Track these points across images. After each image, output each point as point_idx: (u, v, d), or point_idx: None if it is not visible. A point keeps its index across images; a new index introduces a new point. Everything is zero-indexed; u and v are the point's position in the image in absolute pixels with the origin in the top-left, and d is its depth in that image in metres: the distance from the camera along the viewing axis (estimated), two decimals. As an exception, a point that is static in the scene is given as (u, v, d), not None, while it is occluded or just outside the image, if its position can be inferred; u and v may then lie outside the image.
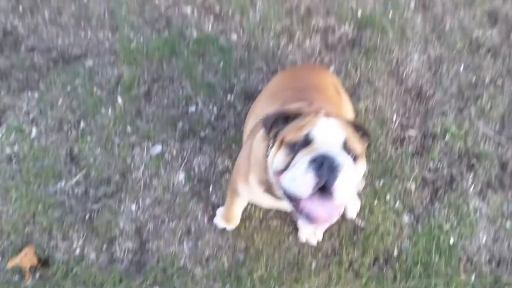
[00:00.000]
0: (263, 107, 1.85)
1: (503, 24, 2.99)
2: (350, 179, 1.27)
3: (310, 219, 1.29)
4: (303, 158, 1.28)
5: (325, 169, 1.23)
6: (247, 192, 1.71)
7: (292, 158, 1.32)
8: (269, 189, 1.53)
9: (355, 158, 1.35)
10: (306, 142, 1.32)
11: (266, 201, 1.67)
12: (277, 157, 1.38)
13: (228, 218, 2.12)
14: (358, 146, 1.39)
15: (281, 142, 1.39)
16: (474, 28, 2.96)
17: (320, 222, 1.29)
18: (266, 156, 1.46)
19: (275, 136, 1.45)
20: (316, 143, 1.32)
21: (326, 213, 1.28)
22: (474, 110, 2.63)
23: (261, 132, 1.58)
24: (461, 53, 2.85)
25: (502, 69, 2.79)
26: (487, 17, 3.01)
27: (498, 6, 3.07)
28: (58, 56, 2.78)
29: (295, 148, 1.33)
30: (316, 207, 1.27)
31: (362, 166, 1.40)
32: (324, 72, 2.10)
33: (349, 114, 2.08)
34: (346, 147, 1.34)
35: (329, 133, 1.34)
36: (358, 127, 1.46)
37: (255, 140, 1.62)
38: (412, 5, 3.05)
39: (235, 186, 1.76)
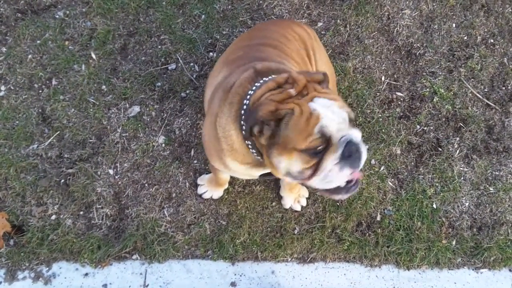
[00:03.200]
0: (215, 74, 1.58)
1: (499, -22, 2.67)
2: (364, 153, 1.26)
3: (347, 194, 1.29)
4: (331, 158, 1.19)
5: (354, 157, 1.20)
6: (226, 170, 1.50)
7: (317, 162, 1.21)
8: (258, 164, 1.38)
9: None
10: (326, 142, 1.20)
11: (249, 174, 1.46)
12: (295, 165, 1.22)
13: (217, 183, 1.92)
14: (349, 108, 1.28)
15: (291, 150, 1.21)
16: (469, -17, 2.65)
17: (353, 193, 1.30)
18: (246, 146, 1.33)
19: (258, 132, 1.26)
20: (334, 138, 1.20)
21: (356, 184, 1.28)
22: (464, 72, 2.39)
23: (223, 114, 1.35)
24: (454, 10, 2.56)
25: (494, 28, 2.53)
26: (483, -29, 2.69)
27: (495, -42, 2.73)
28: (26, 7, 2.41)
29: (316, 152, 1.20)
30: (349, 185, 1.26)
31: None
32: (289, 26, 1.74)
33: (325, 69, 1.79)
34: (350, 120, 1.24)
35: (335, 118, 1.20)
36: (320, 80, 1.31)
37: (220, 124, 1.36)
38: (407, -45, 2.69)
39: (211, 163, 1.54)
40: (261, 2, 2.46)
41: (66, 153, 2.07)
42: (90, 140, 2.09)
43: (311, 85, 1.27)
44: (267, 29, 1.69)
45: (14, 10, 2.39)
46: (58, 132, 2.10)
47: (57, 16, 2.37)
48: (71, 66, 2.24)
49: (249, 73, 1.35)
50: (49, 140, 2.09)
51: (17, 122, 2.12)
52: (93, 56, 2.27)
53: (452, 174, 2.15)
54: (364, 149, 1.23)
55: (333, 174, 1.20)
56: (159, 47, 2.31)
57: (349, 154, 1.18)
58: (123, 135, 2.11)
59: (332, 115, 1.19)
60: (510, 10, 2.57)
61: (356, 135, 1.21)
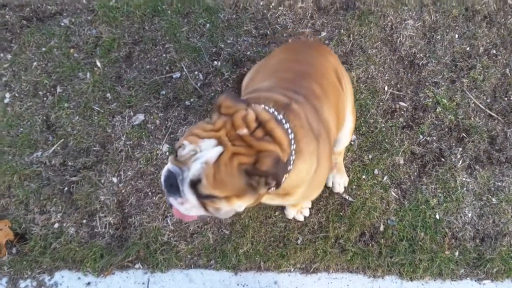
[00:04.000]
0: (257, 79, 1.58)
1: (501, -11, 2.64)
2: (190, 209, 1.17)
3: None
4: (168, 163, 1.17)
5: (168, 186, 1.16)
6: None
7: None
8: None
9: (210, 197, 1.14)
10: (176, 153, 1.16)
11: None
12: None
13: None
14: (218, 190, 1.13)
15: None
16: (471, -7, 2.62)
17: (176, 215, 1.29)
18: None
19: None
20: (179, 160, 1.14)
21: (177, 211, 1.24)
22: (466, 82, 2.35)
23: None
24: (457, 20, 2.53)
25: (496, 39, 2.50)
26: (485, -18, 2.66)
27: (497, -30, 2.70)
28: (31, 14, 2.37)
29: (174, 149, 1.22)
30: (173, 204, 1.21)
31: (226, 204, 1.17)
32: (325, 53, 1.77)
33: (349, 98, 1.81)
34: (195, 186, 1.13)
35: (189, 164, 1.12)
36: (253, 170, 1.13)
37: None
38: (409, -34, 2.66)
39: None
40: (265, 11, 2.44)
41: (70, 161, 2.03)
42: (94, 148, 2.06)
43: (262, 134, 1.17)
44: (311, 55, 1.68)
45: (20, 17, 2.36)
46: (62, 139, 2.06)
47: (63, 24, 2.34)
48: (76, 73, 2.21)
49: (282, 99, 1.30)
50: (53, 148, 2.05)
51: (21, 129, 2.09)
52: (98, 64, 2.23)
53: (455, 184, 2.12)
54: (181, 203, 1.17)
55: (161, 176, 1.19)
56: (164, 55, 2.28)
57: (167, 179, 1.16)
58: (127, 143, 2.07)
59: (197, 150, 1.12)
60: (512, 21, 2.54)
61: (185, 189, 1.14)
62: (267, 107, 1.22)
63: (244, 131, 1.14)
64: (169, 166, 1.15)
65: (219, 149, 1.11)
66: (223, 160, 1.11)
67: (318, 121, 1.38)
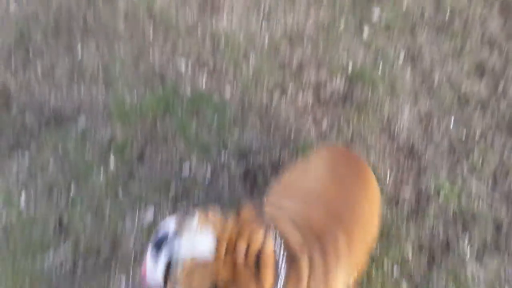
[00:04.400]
0: (291, 195, 1.50)
1: (490, 76, 2.75)
2: (154, 274, 1.14)
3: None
4: (173, 222, 1.18)
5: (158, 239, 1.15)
6: None
7: None
8: None
9: (173, 281, 1.12)
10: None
11: None
12: None
13: None
14: (183, 285, 1.10)
15: None
16: (462, 81, 2.72)
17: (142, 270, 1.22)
18: None
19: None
20: (182, 225, 1.14)
21: (145, 268, 1.17)
22: (466, 167, 2.38)
23: None
24: (451, 107, 2.61)
25: (491, 123, 2.55)
26: (474, 69, 2.78)
27: (485, 57, 2.83)
28: (50, 116, 2.50)
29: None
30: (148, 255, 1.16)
31: None
32: (370, 180, 1.60)
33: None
34: (170, 262, 1.13)
35: (184, 236, 1.12)
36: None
37: None
38: (401, 57, 2.81)
39: None
40: (269, 106, 2.54)
41: (80, 263, 2.02)
42: (104, 249, 2.05)
43: (253, 262, 1.13)
44: (354, 186, 1.52)
45: (39, 120, 2.48)
46: (74, 241, 2.07)
47: (79, 124, 2.45)
48: (90, 174, 2.27)
49: (296, 245, 1.24)
50: (64, 250, 2.05)
51: (34, 232, 2.10)
52: (112, 163, 2.30)
53: (465, 275, 2.06)
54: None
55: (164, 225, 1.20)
56: (174, 152, 2.35)
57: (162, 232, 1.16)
58: (137, 244, 2.07)
59: (198, 230, 1.11)
60: (505, 104, 2.61)
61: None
62: (277, 241, 1.19)
63: (241, 250, 1.12)
64: (173, 224, 1.15)
65: (212, 249, 1.09)
66: (206, 266, 1.09)
67: (320, 285, 1.27)
